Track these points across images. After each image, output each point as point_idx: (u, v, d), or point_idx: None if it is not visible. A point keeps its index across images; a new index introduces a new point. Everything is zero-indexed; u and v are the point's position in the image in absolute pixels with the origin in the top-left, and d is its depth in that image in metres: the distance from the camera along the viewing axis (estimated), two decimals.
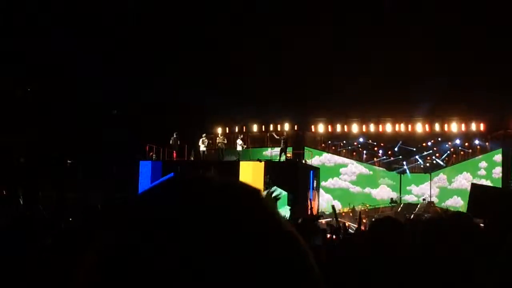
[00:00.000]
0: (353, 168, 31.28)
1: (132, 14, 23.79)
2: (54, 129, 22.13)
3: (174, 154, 24.79)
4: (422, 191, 31.19)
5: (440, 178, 31.40)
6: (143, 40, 24.13)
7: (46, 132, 21.92)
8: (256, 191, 0.61)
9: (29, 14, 21.71)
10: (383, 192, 32.47)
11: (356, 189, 31.22)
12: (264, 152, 27.26)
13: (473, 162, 29.58)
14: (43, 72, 22.57)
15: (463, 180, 29.66)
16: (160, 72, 25.15)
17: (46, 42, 21.40)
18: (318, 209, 24.62)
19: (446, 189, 30.38)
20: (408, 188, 31.96)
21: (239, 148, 24.41)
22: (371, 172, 32.00)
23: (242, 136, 24.90)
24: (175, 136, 24.48)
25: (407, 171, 31.48)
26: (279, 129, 25.98)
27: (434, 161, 30.97)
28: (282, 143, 23.42)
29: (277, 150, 24.56)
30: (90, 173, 22.46)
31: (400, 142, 29.97)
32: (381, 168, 32.11)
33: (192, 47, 25.97)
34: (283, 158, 23.57)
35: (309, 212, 22.21)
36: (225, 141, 24.99)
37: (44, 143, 22.07)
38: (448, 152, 30.26)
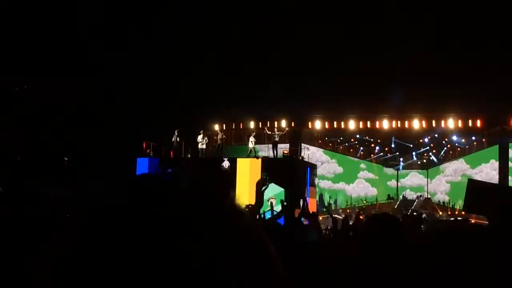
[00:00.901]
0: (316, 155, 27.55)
1: (132, 11, 23.83)
2: (51, 126, 22.11)
3: (171, 151, 24.75)
4: (418, 187, 30.95)
5: (457, 170, 28.70)
6: (143, 40, 24.20)
7: (43, 129, 21.89)
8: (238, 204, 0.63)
9: (28, 13, 21.79)
10: (360, 188, 30.37)
11: (326, 183, 28.67)
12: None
13: (493, 150, 26.87)
14: (41, 68, 22.57)
15: (492, 172, 25.85)
16: (160, 70, 25.20)
17: (46, 40, 21.47)
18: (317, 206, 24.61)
19: (464, 185, 27.26)
20: (388, 183, 30.81)
21: (250, 145, 24.05)
22: (333, 160, 29.00)
23: (254, 134, 24.50)
24: (176, 134, 24.42)
25: (400, 167, 31.25)
26: (276, 125, 25.94)
27: (431, 157, 30.95)
28: (274, 139, 23.33)
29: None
30: (87, 169, 22.43)
31: (393, 137, 29.68)
32: (356, 159, 30.46)
33: (191, 45, 26.01)
34: (274, 154, 23.46)
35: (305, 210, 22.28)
36: (225, 137, 24.90)
37: (41, 141, 22.03)
38: (445, 148, 30.23)
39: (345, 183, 29.78)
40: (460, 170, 29.21)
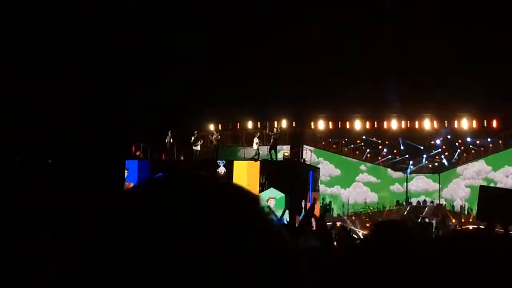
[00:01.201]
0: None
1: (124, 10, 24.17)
2: (36, 127, 22.28)
3: (163, 154, 24.71)
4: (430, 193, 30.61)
5: (480, 171, 27.54)
6: (139, 39, 24.44)
7: (27, 131, 22.04)
8: (255, 196, 0.64)
9: (27, 13, 22.33)
10: (357, 193, 28.78)
11: (320, 187, 26.81)
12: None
13: None
14: (22, 67, 22.85)
15: None
16: (150, 70, 25.31)
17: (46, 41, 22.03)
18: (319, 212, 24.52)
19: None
20: (391, 187, 29.81)
21: (255, 146, 23.48)
22: (327, 161, 27.23)
23: (259, 134, 23.89)
24: (170, 135, 24.36)
25: (408, 170, 30.92)
26: (275, 125, 25.84)
27: (443, 160, 30.79)
28: (272, 140, 23.17)
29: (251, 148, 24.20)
30: (73, 172, 22.50)
31: (402, 139, 29.41)
32: (354, 160, 29.49)
33: (186, 40, 26.16)
34: (273, 156, 23.29)
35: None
36: (219, 137, 24.80)
37: (24, 143, 22.12)
38: (458, 150, 30.08)
39: (340, 187, 28.69)
40: (484, 171, 28.06)
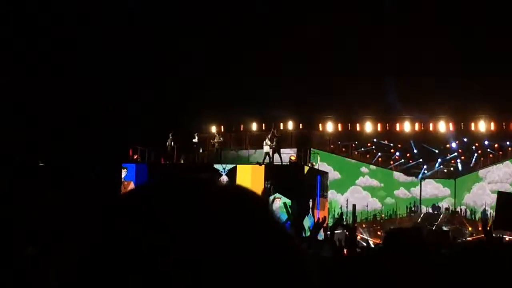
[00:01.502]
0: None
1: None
2: (36, 127, 22.54)
3: (162, 157, 24.78)
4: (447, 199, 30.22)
5: None
6: (139, 39, 24.71)
7: (27, 131, 22.30)
8: (260, 198, 0.68)
9: (27, 13, 22.75)
10: (355, 199, 26.64)
11: None
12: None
13: None
14: (14, 66, 23.16)
15: None
16: (150, 70, 25.51)
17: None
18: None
19: None
20: (395, 192, 28.92)
21: (266, 149, 23.23)
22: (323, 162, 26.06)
23: (269, 136, 23.44)
24: (171, 137, 24.41)
25: (420, 175, 30.61)
26: (281, 127, 25.84)
27: (458, 165, 30.63)
28: (274, 142, 23.10)
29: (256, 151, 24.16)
30: (72, 173, 22.68)
31: (414, 142, 29.20)
32: (353, 161, 28.74)
33: (187, 37, 26.34)
34: (276, 159, 23.16)
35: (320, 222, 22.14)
36: (221, 140, 24.80)
37: (24, 143, 22.37)
38: (475, 154, 29.92)
39: (336, 191, 27.74)
40: None
